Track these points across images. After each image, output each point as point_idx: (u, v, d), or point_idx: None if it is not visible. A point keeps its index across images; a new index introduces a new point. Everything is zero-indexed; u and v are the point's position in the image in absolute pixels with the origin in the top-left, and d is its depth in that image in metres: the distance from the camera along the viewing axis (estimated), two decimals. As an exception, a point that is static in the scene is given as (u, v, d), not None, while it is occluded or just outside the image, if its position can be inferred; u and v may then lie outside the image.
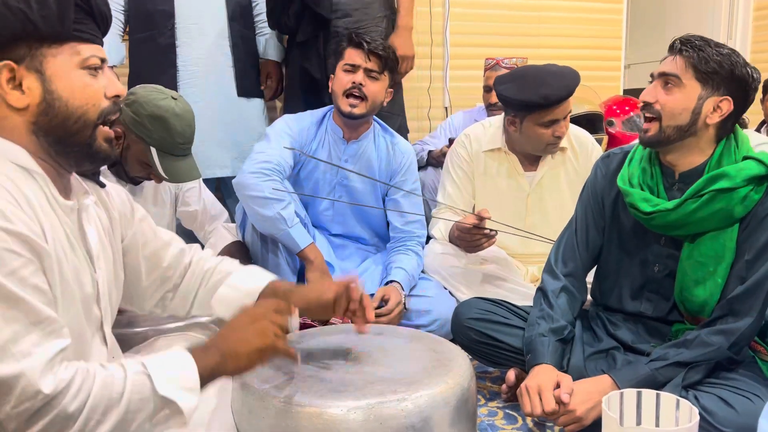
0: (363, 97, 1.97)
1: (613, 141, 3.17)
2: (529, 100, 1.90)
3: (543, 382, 1.32)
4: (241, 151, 2.41)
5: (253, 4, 2.48)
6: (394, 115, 2.50)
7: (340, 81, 2.00)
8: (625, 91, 3.69)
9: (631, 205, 1.40)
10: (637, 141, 1.51)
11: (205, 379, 0.87)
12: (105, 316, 0.97)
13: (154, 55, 2.28)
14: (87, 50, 0.89)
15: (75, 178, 0.97)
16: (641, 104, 1.38)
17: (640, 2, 4.25)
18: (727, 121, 1.33)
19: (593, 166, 1.58)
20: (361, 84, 1.96)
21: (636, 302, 1.49)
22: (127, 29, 2.38)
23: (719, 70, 1.30)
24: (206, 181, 2.15)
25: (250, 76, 2.46)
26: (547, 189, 2.11)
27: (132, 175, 1.73)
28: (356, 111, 1.98)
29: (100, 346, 0.96)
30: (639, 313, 1.49)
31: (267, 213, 1.88)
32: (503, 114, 2.09)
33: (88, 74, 0.90)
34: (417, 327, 1.93)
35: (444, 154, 2.57)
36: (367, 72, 1.98)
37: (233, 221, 2.14)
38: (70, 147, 0.90)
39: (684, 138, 1.35)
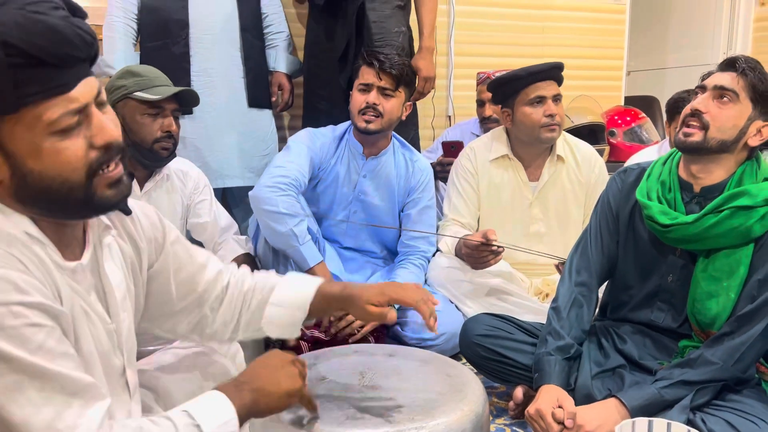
0: (378, 114, 2.00)
1: (615, 151, 3.20)
2: (514, 74, 2.07)
3: (542, 407, 1.35)
4: (249, 161, 2.43)
5: (263, 16, 2.48)
6: (407, 127, 2.52)
7: (356, 100, 2.03)
8: (626, 98, 3.73)
9: (650, 217, 1.43)
10: (654, 158, 1.54)
11: (242, 419, 0.89)
12: (128, 360, 0.94)
13: (167, 63, 2.27)
14: (54, 110, 0.73)
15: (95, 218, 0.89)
16: (689, 111, 1.39)
17: (642, 11, 4.27)
18: (762, 146, 1.38)
19: (609, 180, 1.61)
20: (375, 103, 1.99)
21: (647, 310, 1.51)
22: (139, 39, 2.38)
23: None
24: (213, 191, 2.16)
25: (261, 87, 2.47)
26: (550, 198, 2.15)
27: (148, 143, 1.75)
28: (372, 127, 2.01)
29: (122, 394, 0.93)
30: (649, 323, 1.51)
31: (280, 228, 1.91)
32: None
33: (60, 138, 0.74)
34: (423, 340, 1.95)
35: (440, 163, 2.60)
36: (381, 90, 2.00)
37: (241, 232, 2.15)
38: (65, 208, 0.80)
39: (722, 152, 1.38)
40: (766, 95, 1.35)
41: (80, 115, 0.76)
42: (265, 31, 2.51)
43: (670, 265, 1.47)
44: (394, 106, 2.03)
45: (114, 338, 0.91)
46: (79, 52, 0.74)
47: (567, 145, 2.18)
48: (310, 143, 2.07)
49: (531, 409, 1.38)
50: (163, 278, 1.05)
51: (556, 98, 2.06)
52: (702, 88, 1.41)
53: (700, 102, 1.38)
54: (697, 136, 1.37)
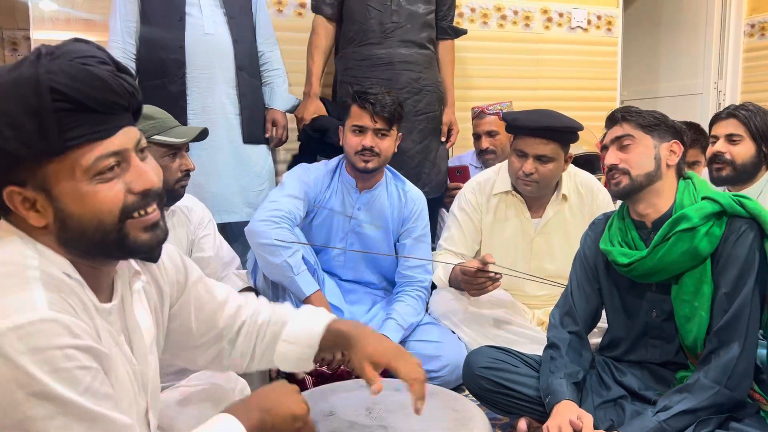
0: (375, 155, 2.03)
1: (611, 180, 3.25)
2: (506, 121, 2.08)
3: (563, 421, 1.36)
4: (247, 196, 2.46)
5: (259, 54, 2.53)
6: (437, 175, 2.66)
7: (350, 142, 2.04)
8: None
9: (613, 261, 1.53)
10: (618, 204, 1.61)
11: None
12: (151, 402, 0.96)
13: (165, 102, 2.30)
14: (92, 154, 0.77)
15: (125, 262, 0.93)
16: (607, 169, 1.52)
17: (634, 42, 4.36)
18: (681, 161, 1.51)
19: (583, 234, 1.69)
20: (372, 146, 2.01)
21: (642, 350, 1.56)
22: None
23: (658, 122, 1.50)
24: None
25: (256, 124, 2.50)
26: (553, 233, 2.16)
27: (171, 184, 1.71)
28: (370, 166, 2.04)
29: None
30: (646, 360, 1.55)
31: (274, 260, 1.93)
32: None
33: (99, 182, 0.79)
34: (427, 372, 1.94)
35: (447, 188, 2.64)
36: (376, 132, 2.03)
37: (243, 266, 2.17)
38: (100, 252, 0.84)
39: (653, 182, 1.48)
40: (653, 122, 1.50)
41: (118, 160, 0.80)
42: (261, 69, 2.54)
43: (651, 301, 1.53)
44: (389, 144, 2.06)
45: (139, 379, 0.93)
46: (120, 100, 0.79)
47: (571, 180, 2.17)
48: (304, 177, 2.11)
49: (551, 422, 1.38)
50: (184, 317, 1.09)
51: (540, 158, 1.98)
52: (605, 148, 1.56)
53: (610, 157, 1.52)
54: (624, 181, 1.49)
